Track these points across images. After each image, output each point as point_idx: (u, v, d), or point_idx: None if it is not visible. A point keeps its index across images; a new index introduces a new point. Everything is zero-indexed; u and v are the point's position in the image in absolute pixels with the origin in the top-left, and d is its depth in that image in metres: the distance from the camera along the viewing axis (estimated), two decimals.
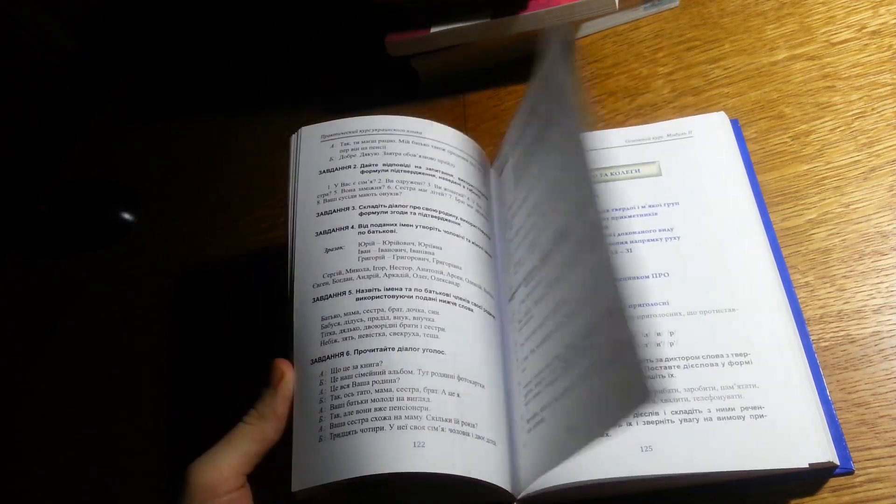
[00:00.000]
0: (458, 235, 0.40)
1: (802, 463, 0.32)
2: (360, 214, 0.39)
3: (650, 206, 0.41)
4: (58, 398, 0.53)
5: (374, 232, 0.39)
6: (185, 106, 0.68)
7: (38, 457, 0.50)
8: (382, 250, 0.38)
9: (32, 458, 0.50)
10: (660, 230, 0.41)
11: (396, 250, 0.38)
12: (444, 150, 0.43)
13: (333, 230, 0.39)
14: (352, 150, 0.42)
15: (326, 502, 0.37)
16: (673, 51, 0.53)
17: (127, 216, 0.60)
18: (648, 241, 0.40)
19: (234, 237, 0.56)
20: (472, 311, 0.38)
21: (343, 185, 0.40)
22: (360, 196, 0.40)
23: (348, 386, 0.35)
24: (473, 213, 0.42)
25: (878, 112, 0.45)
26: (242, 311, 0.52)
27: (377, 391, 0.34)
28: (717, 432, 0.33)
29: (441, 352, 0.36)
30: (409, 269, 0.38)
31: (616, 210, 0.42)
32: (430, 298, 0.37)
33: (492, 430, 0.36)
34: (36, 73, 0.69)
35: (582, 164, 0.31)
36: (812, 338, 0.39)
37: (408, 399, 0.34)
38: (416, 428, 0.33)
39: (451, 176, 0.42)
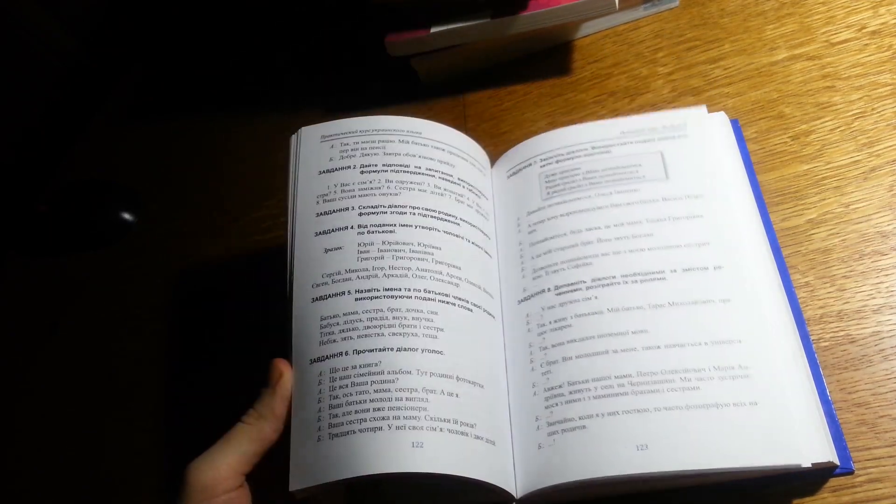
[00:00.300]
0: (457, 236, 0.40)
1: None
2: (360, 215, 0.39)
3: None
4: (58, 398, 0.53)
5: (373, 232, 0.39)
6: (185, 106, 0.68)
7: (38, 457, 0.50)
8: (382, 250, 0.38)
9: (32, 458, 0.50)
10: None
11: (395, 250, 0.38)
12: (443, 150, 0.43)
13: (333, 230, 0.39)
14: (351, 150, 0.42)
15: (326, 502, 0.37)
16: (673, 51, 0.53)
17: (127, 216, 0.60)
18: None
19: (234, 237, 0.56)
20: (471, 311, 0.38)
21: (342, 185, 0.40)
22: (360, 196, 0.40)
23: (347, 386, 0.35)
24: (473, 213, 0.42)
25: (878, 112, 0.45)
26: (242, 311, 0.52)
27: (376, 391, 0.34)
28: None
29: (440, 352, 0.36)
30: (409, 269, 0.38)
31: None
32: (429, 299, 0.37)
33: (491, 430, 0.36)
34: (36, 73, 0.69)
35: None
36: (812, 338, 0.39)
37: (406, 399, 0.34)
38: (414, 428, 0.33)
39: (451, 176, 0.42)
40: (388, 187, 0.40)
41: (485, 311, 0.39)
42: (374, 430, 0.33)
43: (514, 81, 0.57)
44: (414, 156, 0.42)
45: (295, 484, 0.33)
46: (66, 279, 0.59)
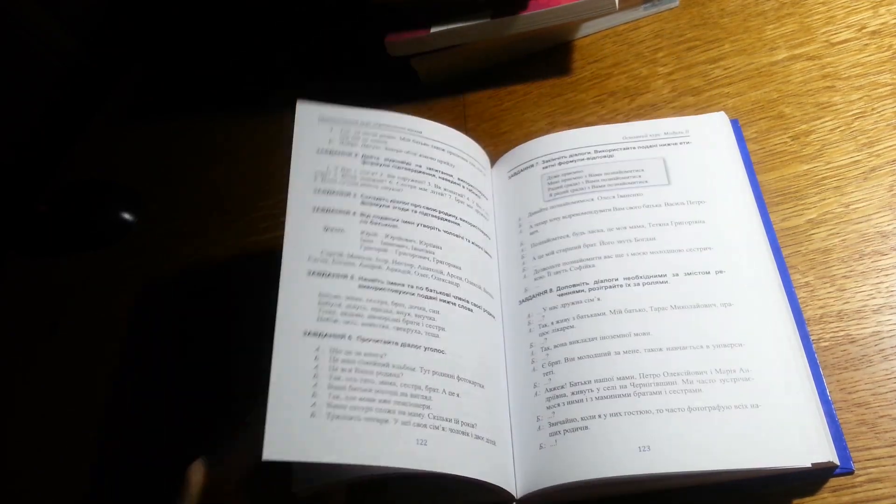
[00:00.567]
0: (457, 235, 0.40)
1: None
2: (363, 203, 0.39)
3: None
4: (58, 398, 0.53)
5: (376, 224, 0.39)
6: (185, 106, 0.68)
7: (38, 457, 0.50)
8: (385, 243, 0.38)
9: (32, 458, 0.50)
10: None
11: (399, 245, 0.38)
12: (443, 150, 0.43)
13: (333, 211, 0.39)
14: (352, 138, 0.42)
15: (325, 500, 0.37)
16: (673, 51, 0.53)
17: (127, 216, 0.60)
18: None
19: (233, 237, 0.56)
20: (471, 311, 0.39)
21: (344, 169, 0.40)
22: (362, 185, 0.40)
23: (351, 371, 0.34)
24: (473, 213, 0.42)
25: (878, 112, 0.45)
26: (242, 311, 0.52)
27: (381, 383, 0.34)
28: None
29: (441, 351, 0.36)
30: (411, 266, 0.38)
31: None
32: (430, 297, 0.37)
33: (491, 430, 0.36)
34: (36, 73, 0.69)
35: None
36: (812, 338, 0.39)
37: (411, 395, 0.34)
38: (419, 425, 0.33)
39: (451, 176, 0.42)
40: (391, 182, 0.40)
41: (485, 311, 0.39)
42: (380, 421, 0.33)
43: (514, 81, 0.57)
44: (415, 154, 0.42)
45: (272, 454, 0.30)
46: (66, 279, 0.59)
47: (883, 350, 0.38)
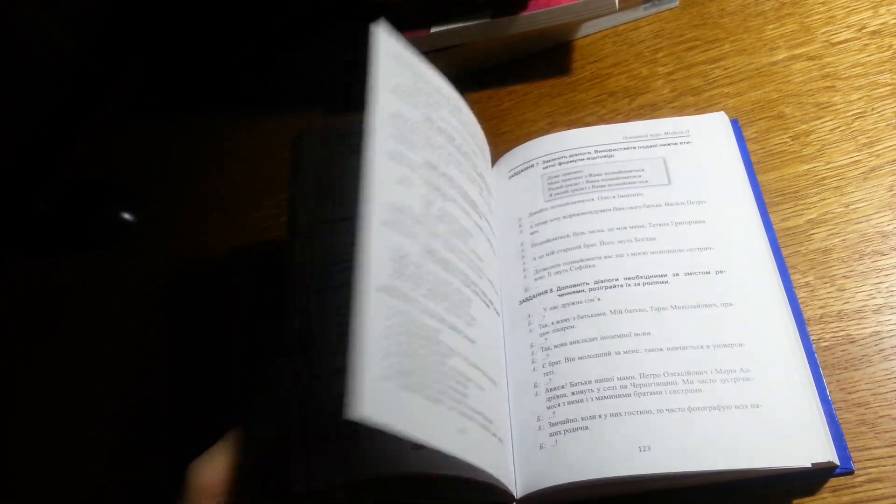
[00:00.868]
0: (479, 227, 0.39)
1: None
2: (425, 165, 0.35)
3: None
4: (58, 398, 0.53)
5: (434, 191, 0.35)
6: (185, 106, 0.68)
7: (38, 457, 0.50)
8: (439, 216, 0.35)
9: (32, 458, 0.50)
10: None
11: (448, 222, 0.35)
12: (475, 138, 0.42)
13: (404, 162, 0.34)
14: (417, 91, 0.37)
15: (324, 500, 0.37)
16: (673, 51, 0.53)
17: (127, 216, 0.60)
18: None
19: (234, 237, 0.56)
20: (488, 306, 0.38)
21: (411, 122, 0.35)
22: (424, 148, 0.35)
23: (413, 341, 0.30)
24: (487, 209, 0.42)
25: (878, 112, 0.45)
26: (242, 311, 0.52)
27: (435, 361, 0.31)
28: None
29: (474, 342, 0.35)
30: (455, 247, 0.35)
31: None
32: (466, 284, 0.36)
33: (501, 428, 0.36)
34: (36, 73, 0.69)
35: None
36: (812, 338, 0.39)
37: (455, 381, 0.32)
38: (461, 414, 0.31)
39: (476, 167, 0.41)
40: (442, 153, 0.37)
41: (495, 309, 0.39)
42: (434, 400, 0.30)
43: (514, 81, 0.57)
44: (459, 132, 0.40)
45: (360, 412, 0.26)
46: (66, 279, 0.59)
47: (883, 350, 0.38)
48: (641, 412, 0.35)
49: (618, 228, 0.41)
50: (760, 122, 0.47)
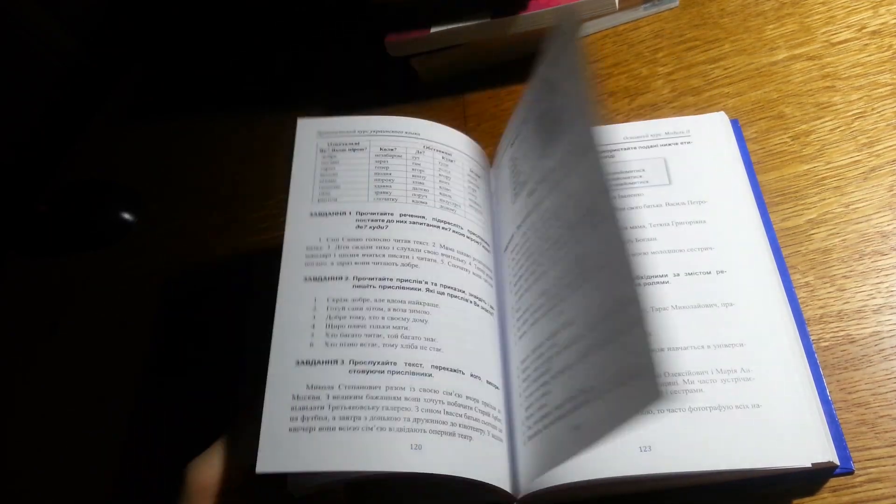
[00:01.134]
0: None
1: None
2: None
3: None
4: (58, 398, 0.53)
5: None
6: (185, 106, 0.68)
7: (38, 457, 0.50)
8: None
9: (32, 458, 0.50)
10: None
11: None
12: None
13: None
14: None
15: (324, 500, 0.37)
16: (673, 51, 0.53)
17: (127, 216, 0.60)
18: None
19: (233, 237, 0.56)
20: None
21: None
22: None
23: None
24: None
25: (878, 112, 0.45)
26: (242, 311, 0.52)
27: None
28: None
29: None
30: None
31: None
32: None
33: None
34: (36, 73, 0.69)
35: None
36: (812, 338, 0.39)
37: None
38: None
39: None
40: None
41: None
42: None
43: (514, 81, 0.57)
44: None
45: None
46: (66, 279, 0.59)
47: (883, 350, 0.38)
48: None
49: None
50: (760, 122, 0.47)
